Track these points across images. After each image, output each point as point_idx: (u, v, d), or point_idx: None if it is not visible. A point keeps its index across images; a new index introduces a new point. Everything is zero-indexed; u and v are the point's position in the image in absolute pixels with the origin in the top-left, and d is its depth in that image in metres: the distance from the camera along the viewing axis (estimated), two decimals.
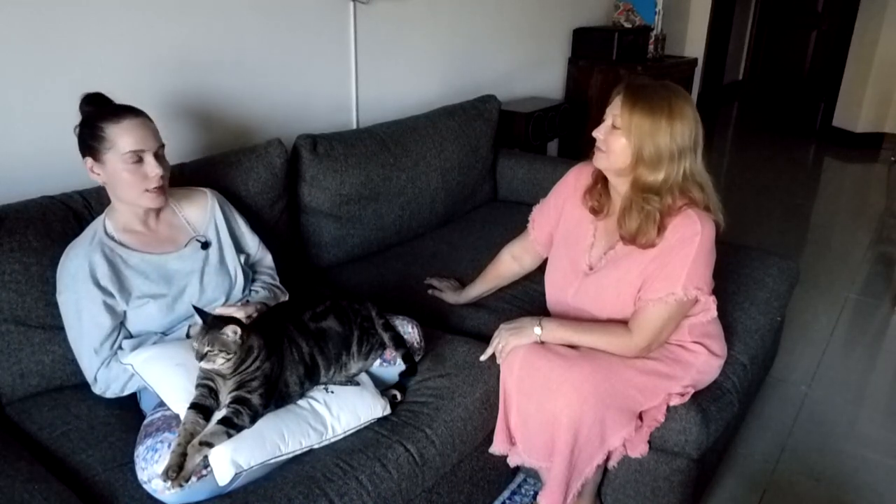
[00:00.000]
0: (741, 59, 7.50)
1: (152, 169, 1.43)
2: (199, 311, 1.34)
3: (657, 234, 1.52)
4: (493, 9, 3.24)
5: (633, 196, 1.54)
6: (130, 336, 1.49)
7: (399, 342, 1.59)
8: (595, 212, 1.69)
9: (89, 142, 1.41)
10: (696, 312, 1.62)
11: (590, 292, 1.66)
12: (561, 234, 1.79)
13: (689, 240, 1.51)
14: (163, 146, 1.48)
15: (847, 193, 4.83)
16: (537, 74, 3.72)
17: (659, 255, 1.54)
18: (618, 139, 1.52)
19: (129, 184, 1.43)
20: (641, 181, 1.52)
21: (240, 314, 1.42)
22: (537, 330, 1.61)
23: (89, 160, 1.43)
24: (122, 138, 1.40)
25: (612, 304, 1.62)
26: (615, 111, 1.52)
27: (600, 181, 1.67)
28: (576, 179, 1.76)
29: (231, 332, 1.29)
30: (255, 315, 1.45)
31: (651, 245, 1.54)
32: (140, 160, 1.42)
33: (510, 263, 1.95)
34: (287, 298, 1.71)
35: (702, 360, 1.65)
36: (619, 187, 1.60)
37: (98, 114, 1.42)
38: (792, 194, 4.64)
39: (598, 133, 1.56)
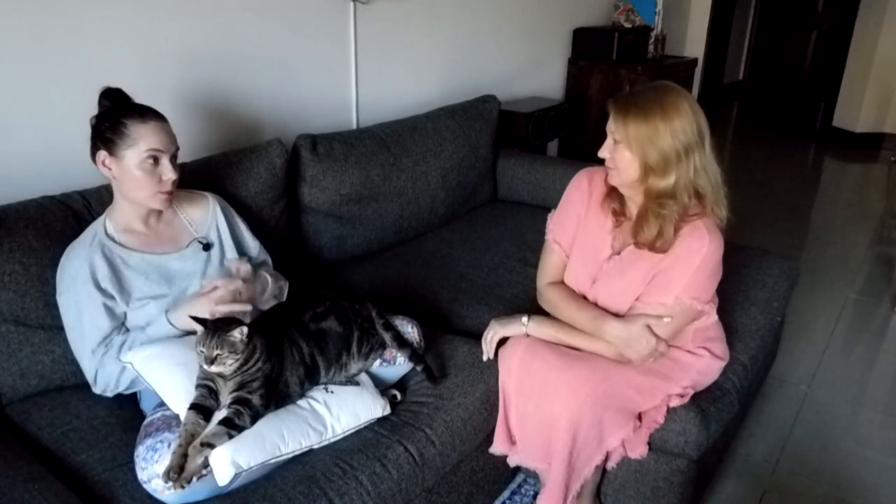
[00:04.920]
0: (741, 59, 7.50)
1: (167, 172, 1.44)
2: (197, 319, 1.34)
3: (673, 236, 1.50)
4: (493, 9, 3.23)
5: (649, 204, 1.51)
6: None
7: (402, 342, 1.59)
8: (617, 214, 1.64)
9: (108, 135, 1.40)
10: (698, 318, 1.62)
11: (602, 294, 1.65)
12: (578, 241, 1.71)
13: (696, 251, 1.50)
14: (178, 149, 1.49)
15: (847, 193, 4.83)
16: (537, 74, 3.72)
17: (663, 261, 1.53)
18: (622, 153, 1.50)
19: (142, 183, 1.43)
20: (654, 189, 1.49)
21: (227, 288, 1.43)
22: (524, 319, 1.63)
23: (103, 153, 1.42)
24: (145, 137, 1.40)
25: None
26: (611, 127, 1.51)
27: (616, 188, 1.62)
28: (589, 185, 1.70)
29: (238, 333, 1.29)
30: (240, 287, 1.46)
31: (665, 249, 1.52)
32: (156, 162, 1.43)
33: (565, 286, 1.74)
34: (285, 284, 1.68)
35: (703, 363, 1.65)
36: (635, 198, 1.57)
37: (121, 109, 1.42)
38: (792, 194, 4.64)
39: (603, 152, 1.54)
